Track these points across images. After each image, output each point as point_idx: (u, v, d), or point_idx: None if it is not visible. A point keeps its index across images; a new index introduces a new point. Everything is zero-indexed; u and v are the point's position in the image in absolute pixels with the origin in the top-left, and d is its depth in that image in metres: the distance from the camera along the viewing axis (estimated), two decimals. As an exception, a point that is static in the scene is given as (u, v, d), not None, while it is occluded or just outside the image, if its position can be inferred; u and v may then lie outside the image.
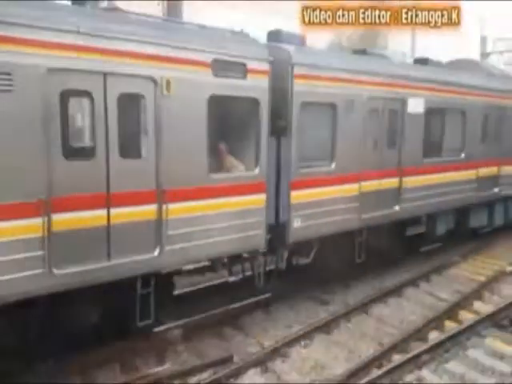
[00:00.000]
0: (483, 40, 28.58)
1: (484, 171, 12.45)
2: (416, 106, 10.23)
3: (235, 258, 7.47)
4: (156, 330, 7.08)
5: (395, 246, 10.73)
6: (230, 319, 7.82)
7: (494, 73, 13.87)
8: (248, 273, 7.80)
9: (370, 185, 9.21)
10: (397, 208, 9.92)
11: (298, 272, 8.73)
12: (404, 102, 9.86)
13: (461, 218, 12.37)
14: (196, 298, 8.00)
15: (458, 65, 13.03)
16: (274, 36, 8.41)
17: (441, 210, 11.35)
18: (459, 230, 12.53)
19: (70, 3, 6.11)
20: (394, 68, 10.01)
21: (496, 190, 12.83)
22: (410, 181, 10.15)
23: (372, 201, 9.20)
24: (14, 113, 4.88)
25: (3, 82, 4.78)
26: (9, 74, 4.81)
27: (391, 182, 9.78)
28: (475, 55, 26.73)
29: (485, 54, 27.93)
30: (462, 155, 11.86)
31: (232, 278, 7.47)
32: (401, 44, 25.82)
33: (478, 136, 12.22)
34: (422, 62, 11.63)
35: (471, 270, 11.44)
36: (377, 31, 30.10)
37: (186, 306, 7.58)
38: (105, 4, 6.29)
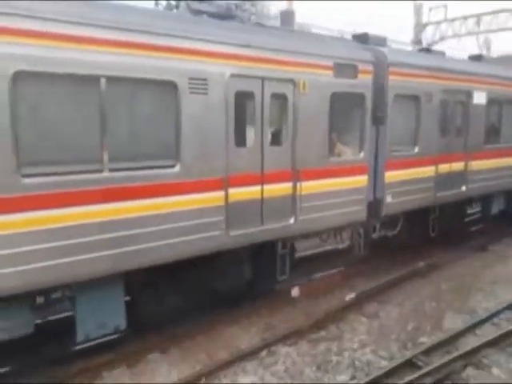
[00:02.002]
0: (418, 8, 23.04)
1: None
2: (479, 97, 11.52)
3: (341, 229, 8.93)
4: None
5: (458, 224, 12.10)
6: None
7: None
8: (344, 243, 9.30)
9: (444, 167, 10.55)
10: (463, 188, 11.25)
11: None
12: (470, 95, 11.15)
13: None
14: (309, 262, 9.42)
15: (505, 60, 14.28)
16: (362, 38, 9.79)
17: (496, 192, 12.65)
18: (509, 211, 13.79)
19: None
20: (462, 64, 11.31)
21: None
22: (474, 164, 11.46)
23: (444, 181, 10.56)
24: (208, 110, 6.36)
25: (201, 86, 6.26)
26: (205, 80, 6.29)
27: (459, 165, 11.11)
28: (408, 26, 21.95)
29: (420, 25, 22.82)
30: (516, 141, 13.11)
31: (341, 246, 8.91)
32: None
33: None
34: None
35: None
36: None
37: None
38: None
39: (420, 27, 22.53)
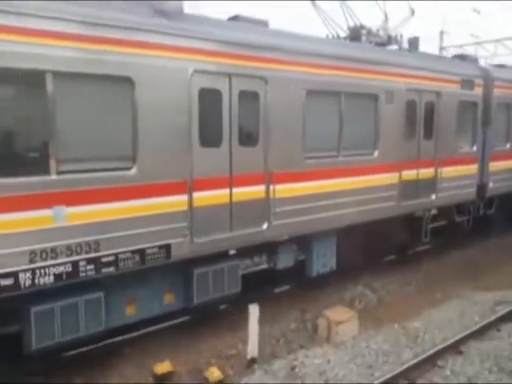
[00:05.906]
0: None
1: None
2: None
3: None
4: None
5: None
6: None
7: None
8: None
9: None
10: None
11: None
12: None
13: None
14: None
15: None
16: (461, 56, 12.40)
17: None
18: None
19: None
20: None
21: None
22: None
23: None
24: (392, 114, 8.96)
25: (391, 97, 8.86)
26: (392, 93, 8.88)
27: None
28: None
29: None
30: None
31: (458, 219, 11.47)
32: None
33: None
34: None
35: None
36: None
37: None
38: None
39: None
